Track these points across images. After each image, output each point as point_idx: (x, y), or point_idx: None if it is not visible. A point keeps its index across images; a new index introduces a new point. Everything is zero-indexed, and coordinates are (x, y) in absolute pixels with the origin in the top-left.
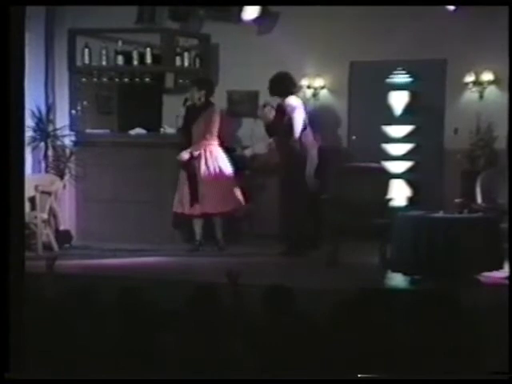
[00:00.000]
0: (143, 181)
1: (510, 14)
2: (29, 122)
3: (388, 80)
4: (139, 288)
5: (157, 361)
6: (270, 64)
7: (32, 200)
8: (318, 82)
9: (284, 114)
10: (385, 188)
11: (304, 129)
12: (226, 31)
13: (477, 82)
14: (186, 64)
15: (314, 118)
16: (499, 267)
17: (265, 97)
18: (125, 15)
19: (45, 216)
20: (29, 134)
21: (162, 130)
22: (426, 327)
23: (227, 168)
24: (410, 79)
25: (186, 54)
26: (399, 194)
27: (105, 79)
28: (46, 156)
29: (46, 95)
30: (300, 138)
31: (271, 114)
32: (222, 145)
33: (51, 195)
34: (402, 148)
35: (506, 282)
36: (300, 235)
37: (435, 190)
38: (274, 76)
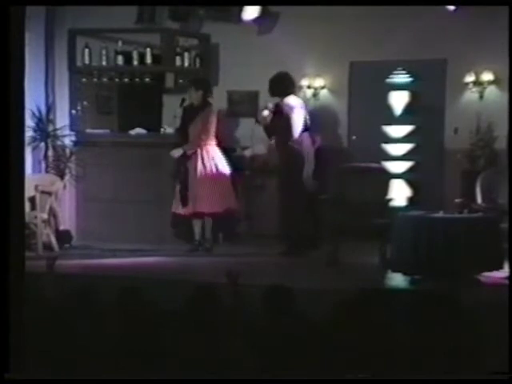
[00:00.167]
0: (143, 181)
1: (510, 14)
2: (29, 121)
3: (388, 80)
4: (139, 288)
5: (157, 361)
6: (270, 64)
7: (32, 200)
8: (318, 82)
9: (282, 114)
10: (385, 188)
11: (304, 129)
12: (226, 31)
13: (477, 82)
14: (186, 64)
15: (314, 118)
16: (499, 267)
17: (265, 97)
18: (125, 15)
19: (45, 216)
20: (29, 133)
21: (162, 130)
22: (425, 327)
23: (224, 168)
24: (410, 79)
25: (186, 54)
26: (399, 194)
27: (105, 79)
28: (46, 156)
29: (46, 95)
30: (299, 138)
31: (269, 116)
32: (219, 145)
33: (51, 195)
34: (402, 148)
35: (506, 281)
36: (300, 235)
37: (435, 190)
38: (274, 76)
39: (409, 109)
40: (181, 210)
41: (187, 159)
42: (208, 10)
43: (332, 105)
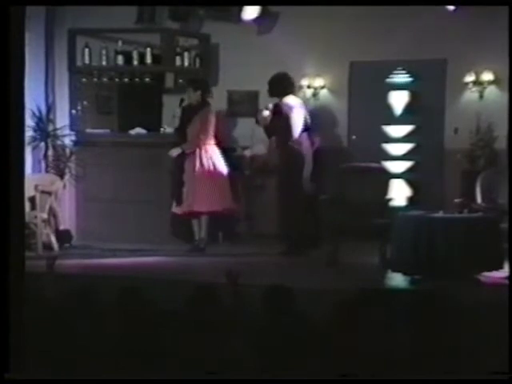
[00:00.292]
0: (143, 181)
1: (510, 13)
2: (29, 121)
3: (388, 80)
4: (139, 288)
5: (157, 361)
6: (270, 64)
7: (32, 200)
8: (318, 82)
9: (281, 114)
10: (385, 188)
11: (303, 129)
12: (226, 31)
13: (477, 82)
14: (186, 64)
15: (314, 118)
16: (499, 267)
17: (265, 97)
18: (125, 15)
19: (45, 216)
20: (29, 133)
21: (162, 129)
22: (425, 327)
23: (222, 167)
24: (410, 79)
25: (186, 54)
26: (399, 193)
27: (105, 79)
28: (46, 156)
29: (46, 95)
30: (299, 138)
31: (269, 116)
32: (219, 145)
33: (51, 195)
34: (402, 148)
35: (506, 281)
36: (300, 235)
37: (435, 189)
38: (272, 77)
39: (409, 109)
40: (179, 210)
41: (186, 159)
42: (208, 10)
43: (332, 105)
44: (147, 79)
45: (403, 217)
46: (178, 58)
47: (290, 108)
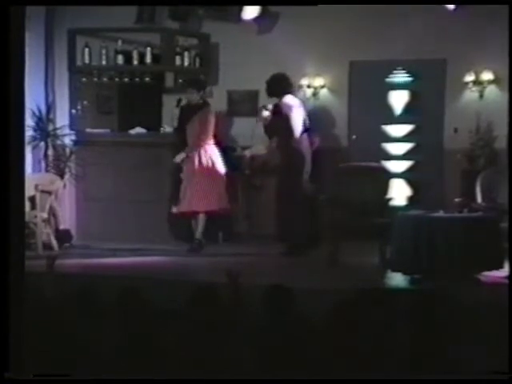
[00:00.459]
0: (143, 180)
1: (510, 13)
2: (29, 121)
3: (388, 79)
4: (139, 288)
5: (157, 361)
6: (270, 63)
7: (32, 199)
8: (318, 82)
9: (281, 114)
10: (385, 187)
11: (303, 129)
12: (226, 31)
13: (477, 82)
14: (186, 63)
15: (314, 118)
16: (499, 267)
17: (265, 96)
18: (124, 15)
19: (45, 215)
20: (29, 133)
21: (161, 129)
22: (425, 327)
23: (220, 167)
24: (409, 79)
25: (185, 54)
26: (399, 193)
27: (105, 79)
28: (46, 155)
29: (46, 95)
30: (299, 138)
31: (268, 117)
32: (219, 145)
33: (51, 194)
34: (402, 147)
35: (506, 281)
36: (300, 235)
37: (435, 189)
38: (271, 77)
39: (409, 108)
40: (176, 209)
41: (185, 158)
42: (208, 10)
43: (332, 104)
44: (147, 79)
45: (403, 216)
46: (177, 58)
47: (290, 108)
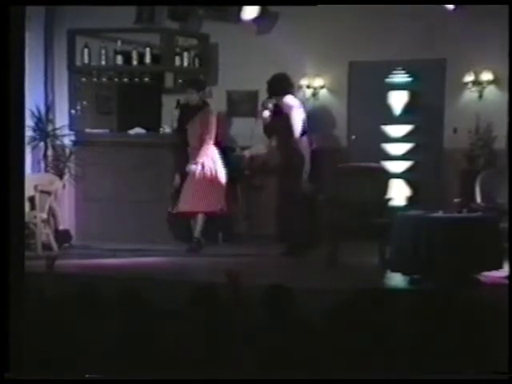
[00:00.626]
0: (143, 180)
1: (510, 13)
2: (28, 121)
3: (387, 80)
4: (139, 288)
5: (157, 361)
6: (270, 64)
7: (31, 200)
8: (318, 82)
9: (281, 114)
10: (384, 188)
11: (302, 130)
12: (226, 31)
13: (476, 82)
14: (186, 64)
15: (313, 118)
16: (499, 267)
17: (264, 97)
18: (124, 15)
19: (44, 216)
20: (28, 133)
21: (161, 129)
22: (425, 327)
23: (220, 168)
24: (409, 79)
25: (185, 54)
26: (399, 193)
27: (104, 79)
28: (45, 156)
29: (45, 95)
30: (298, 138)
31: (269, 116)
32: (218, 145)
33: (51, 195)
34: (402, 148)
35: (506, 281)
36: (299, 235)
37: (434, 189)
38: (272, 77)
39: (408, 108)
40: (177, 209)
41: (186, 160)
42: (207, 10)
43: (331, 105)
44: (146, 79)
45: (402, 216)
46: (177, 58)
47: (291, 108)
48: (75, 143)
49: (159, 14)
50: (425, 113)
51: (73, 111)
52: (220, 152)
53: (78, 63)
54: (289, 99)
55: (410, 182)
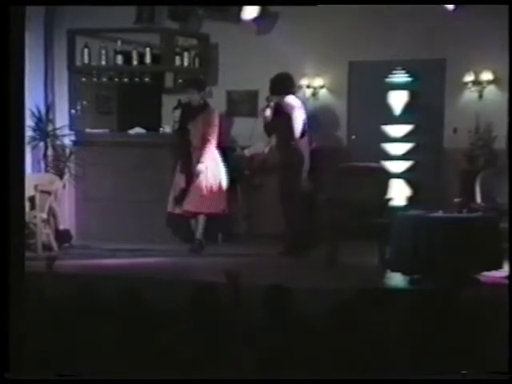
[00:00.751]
0: (143, 180)
1: (509, 13)
2: (28, 121)
3: (387, 80)
4: (139, 288)
5: (156, 361)
6: (270, 64)
7: (31, 199)
8: (318, 82)
9: (283, 113)
10: (384, 188)
11: (303, 130)
12: (226, 31)
13: (476, 82)
14: (186, 64)
15: (314, 118)
16: (499, 267)
17: (264, 96)
18: (124, 15)
19: (44, 216)
20: (28, 133)
21: (161, 129)
22: (425, 327)
23: (222, 168)
24: (409, 79)
25: (185, 54)
26: (399, 193)
27: (104, 79)
28: (45, 155)
29: (45, 95)
30: (299, 138)
31: (270, 115)
32: (218, 145)
33: (51, 195)
34: (402, 147)
35: (506, 281)
36: (299, 235)
37: (434, 189)
38: (276, 76)
39: (408, 108)
40: (180, 210)
41: (189, 160)
42: (207, 10)
43: (331, 104)
44: (147, 79)
45: (402, 216)
46: (177, 58)
47: (292, 108)
48: (75, 143)
49: (159, 14)
50: (425, 113)
51: (73, 111)
52: (220, 152)
53: (78, 63)
54: (291, 99)
55: (410, 182)
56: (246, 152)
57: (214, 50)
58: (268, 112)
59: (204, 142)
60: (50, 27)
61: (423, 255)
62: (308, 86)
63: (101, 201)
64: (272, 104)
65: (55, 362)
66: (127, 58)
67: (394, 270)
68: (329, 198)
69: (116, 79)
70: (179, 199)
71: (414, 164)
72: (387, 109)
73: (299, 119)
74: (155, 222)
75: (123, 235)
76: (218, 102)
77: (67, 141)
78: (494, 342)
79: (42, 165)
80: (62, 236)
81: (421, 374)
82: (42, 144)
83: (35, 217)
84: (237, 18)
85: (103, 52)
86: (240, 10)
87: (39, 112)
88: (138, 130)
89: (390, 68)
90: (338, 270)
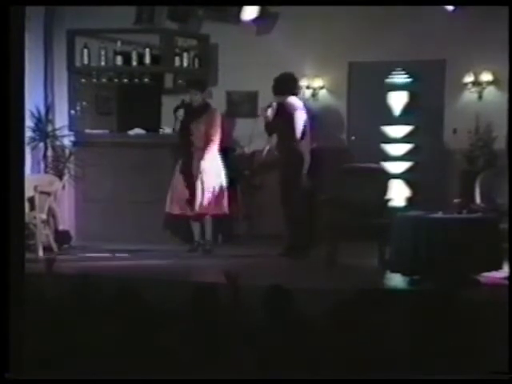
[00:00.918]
0: (142, 181)
1: (509, 13)
2: (28, 122)
3: (387, 80)
4: (138, 288)
5: (156, 361)
6: (270, 64)
7: (31, 200)
8: (317, 83)
9: (285, 114)
10: (384, 188)
11: (303, 131)
12: (225, 31)
13: (476, 83)
14: (185, 64)
15: (313, 119)
16: (498, 267)
17: (264, 97)
18: (124, 16)
19: (44, 216)
20: (28, 134)
21: (160, 130)
22: (425, 327)
23: (223, 170)
24: (409, 79)
25: (185, 55)
26: (398, 194)
27: (104, 80)
28: (45, 156)
29: (45, 95)
30: (300, 138)
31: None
32: (219, 146)
33: (50, 195)
34: (402, 148)
35: (506, 282)
36: (299, 235)
37: (434, 190)
38: (279, 76)
39: (408, 109)
40: (184, 212)
41: (190, 161)
42: (207, 11)
43: (331, 105)
44: (146, 80)
45: (402, 217)
46: (177, 59)
47: (295, 109)
48: (75, 144)
49: (159, 14)
50: (424, 113)
51: (72, 112)
52: (220, 152)
53: (78, 64)
54: (293, 100)
55: (409, 183)
56: (246, 149)
57: (213, 50)
58: (270, 112)
59: (207, 142)
60: (49, 27)
61: (423, 256)
62: (308, 87)
63: (100, 201)
64: (274, 104)
65: (55, 361)
66: (127, 59)
67: (393, 271)
68: (328, 199)
69: (116, 80)
70: (180, 201)
71: (414, 165)
72: (387, 109)
73: (301, 121)
74: (154, 222)
75: (123, 236)
76: (217, 103)
77: (67, 141)
78: (493, 342)
79: (42, 165)
80: (62, 237)
81: (421, 374)
82: (41, 145)
83: (35, 217)
84: (236, 18)
85: (103, 52)
86: (240, 11)
87: (39, 113)
88: (137, 130)
89: (390, 69)
90: (338, 270)
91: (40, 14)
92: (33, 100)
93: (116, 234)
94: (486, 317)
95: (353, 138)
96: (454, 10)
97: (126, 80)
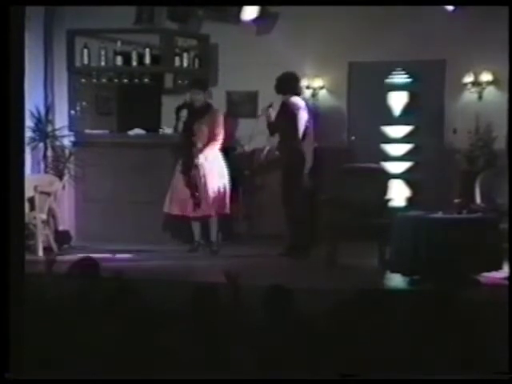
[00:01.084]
0: (142, 181)
1: (509, 14)
2: (28, 122)
3: (387, 80)
4: (138, 289)
5: (156, 361)
6: (270, 64)
7: (31, 200)
8: (317, 83)
9: (287, 113)
10: (384, 188)
11: (305, 130)
12: (225, 32)
13: (476, 83)
14: (185, 64)
15: (314, 119)
16: (498, 267)
17: (264, 97)
18: (124, 16)
19: (44, 216)
20: (28, 134)
21: (160, 130)
22: (425, 327)
23: (225, 170)
24: (409, 80)
25: (185, 55)
26: (398, 194)
27: (104, 80)
28: (45, 156)
29: (45, 95)
30: (301, 138)
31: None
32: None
33: (50, 196)
34: (402, 148)
35: (506, 282)
36: (300, 235)
37: (434, 190)
38: (283, 75)
39: (408, 109)
40: (186, 212)
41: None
42: (207, 11)
43: (331, 105)
44: (146, 80)
45: (402, 217)
46: (177, 59)
47: (298, 108)
48: (75, 144)
49: (159, 14)
50: (424, 114)
51: (72, 112)
52: (222, 152)
53: (78, 64)
54: (296, 99)
55: (409, 183)
56: (246, 148)
57: (213, 50)
58: (271, 111)
59: (209, 142)
60: (49, 27)
61: (423, 256)
62: (308, 87)
63: (100, 202)
64: (273, 107)
65: (55, 362)
66: (127, 59)
67: (393, 271)
68: (329, 199)
69: (115, 80)
70: (181, 202)
71: (414, 165)
72: (387, 110)
73: (303, 120)
74: (155, 222)
75: (123, 236)
76: (217, 103)
77: (67, 142)
78: (494, 342)
79: (42, 166)
80: (62, 237)
81: (421, 374)
82: (41, 145)
83: (35, 218)
84: (236, 18)
85: (103, 53)
86: (240, 11)
87: (39, 113)
88: (137, 130)
89: (390, 69)
90: (338, 270)
91: (40, 14)
92: (33, 100)
93: (116, 234)
94: (485, 317)
95: (353, 138)
96: (454, 10)
97: (126, 80)
